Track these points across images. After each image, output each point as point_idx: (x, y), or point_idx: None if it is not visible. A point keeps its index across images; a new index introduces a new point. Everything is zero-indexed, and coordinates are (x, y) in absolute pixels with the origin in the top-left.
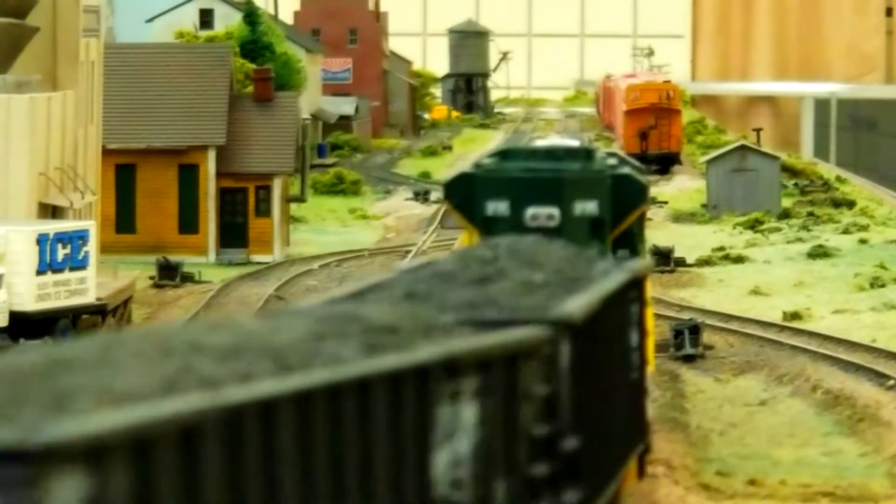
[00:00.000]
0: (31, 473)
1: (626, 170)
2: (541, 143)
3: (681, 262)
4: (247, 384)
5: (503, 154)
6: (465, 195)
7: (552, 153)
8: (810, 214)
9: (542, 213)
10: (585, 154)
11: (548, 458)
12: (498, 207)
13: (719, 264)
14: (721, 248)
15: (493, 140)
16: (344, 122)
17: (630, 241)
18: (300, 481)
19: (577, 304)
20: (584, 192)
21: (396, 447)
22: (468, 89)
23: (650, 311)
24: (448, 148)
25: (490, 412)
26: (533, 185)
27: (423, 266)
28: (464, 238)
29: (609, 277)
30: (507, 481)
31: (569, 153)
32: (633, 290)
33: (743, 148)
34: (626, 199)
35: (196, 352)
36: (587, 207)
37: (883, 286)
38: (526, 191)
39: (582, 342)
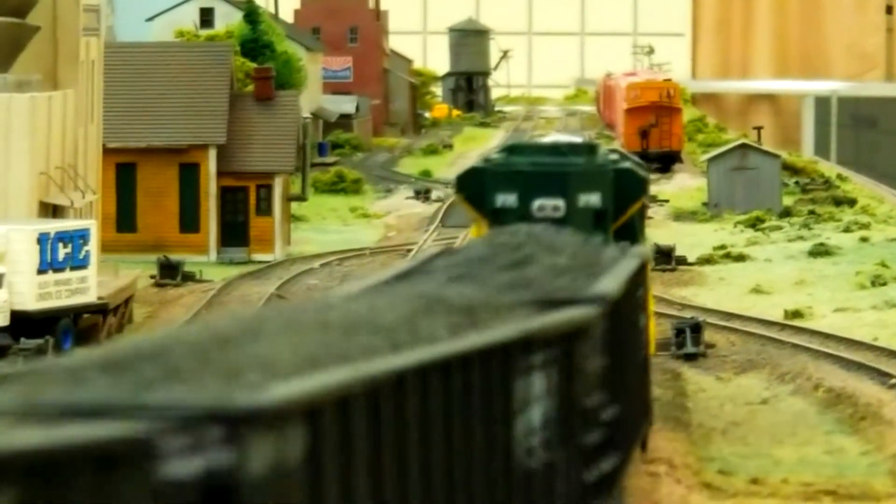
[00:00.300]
0: (237, 434)
1: (626, 164)
2: (546, 139)
3: (682, 261)
4: (376, 358)
5: (511, 149)
6: (475, 188)
7: (557, 149)
8: (811, 213)
9: (548, 205)
10: (588, 149)
11: (595, 427)
12: (506, 199)
13: (720, 263)
14: (722, 247)
15: (494, 139)
16: (344, 120)
17: (631, 232)
18: (421, 448)
19: (611, 285)
20: (587, 185)
21: (489, 417)
22: (469, 88)
23: (651, 296)
24: (449, 146)
25: (553, 385)
26: (539, 178)
27: (453, 252)
28: (473, 231)
29: (623, 261)
30: (566, 450)
31: (573, 149)
32: (640, 273)
33: (744, 146)
34: (627, 192)
35: (325, 329)
36: (590, 199)
37: (884, 284)
38: (533, 184)
39: (611, 320)
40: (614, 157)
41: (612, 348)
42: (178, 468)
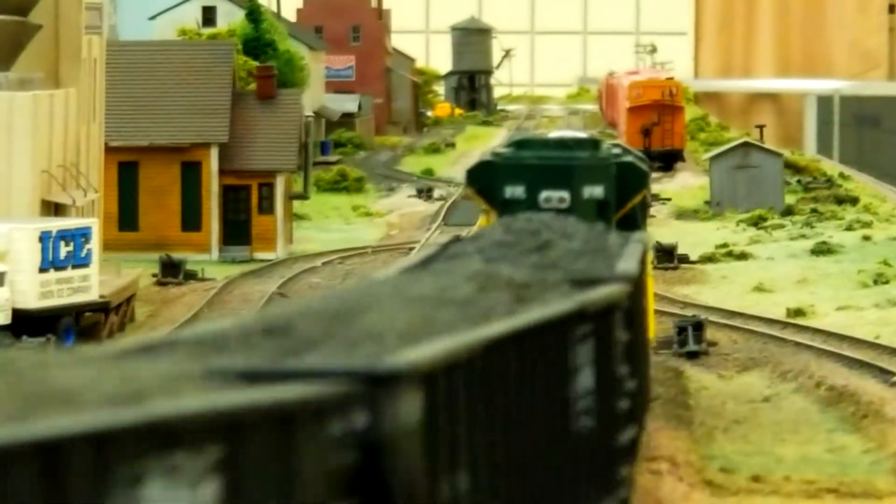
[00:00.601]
0: (387, 393)
1: (628, 158)
2: (552, 134)
3: (684, 259)
4: (467, 329)
5: (519, 144)
6: (485, 181)
7: (563, 143)
8: (814, 211)
9: (554, 196)
10: (592, 144)
11: (623, 396)
12: (515, 191)
13: (723, 261)
14: (724, 245)
15: (497, 137)
16: (347, 119)
17: (633, 222)
18: (522, 405)
19: (630, 265)
20: (591, 177)
21: (552, 384)
22: (471, 87)
23: (651, 279)
24: (451, 145)
25: (594, 355)
26: (546, 171)
27: (474, 238)
28: (483, 221)
29: (630, 246)
30: (604, 415)
31: (577, 143)
32: (644, 258)
33: (746, 145)
34: (629, 184)
35: (418, 303)
36: (594, 191)
37: (886, 283)
38: (540, 176)
39: (630, 298)
40: (616, 151)
41: (630, 325)
42: (343, 426)
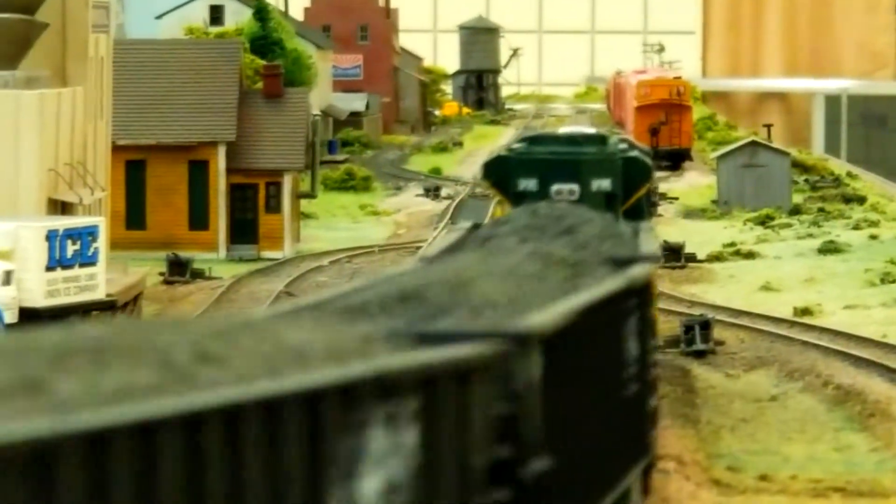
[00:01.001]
0: (516, 351)
1: (634, 153)
2: (562, 130)
3: (691, 258)
4: (567, 296)
5: (531, 140)
6: (500, 174)
7: (572, 139)
8: (821, 210)
9: (564, 189)
10: (600, 139)
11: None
12: (528, 184)
13: (730, 260)
14: (732, 244)
15: (504, 137)
16: (354, 118)
17: (639, 213)
18: (597, 369)
19: (654, 246)
20: (599, 171)
21: (615, 350)
22: (479, 86)
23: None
24: (459, 144)
25: (636, 327)
26: (557, 165)
27: (499, 223)
28: (496, 211)
29: (641, 232)
30: (642, 382)
31: (586, 139)
32: None
33: (753, 144)
34: (635, 177)
35: (514, 275)
36: (602, 184)
37: (893, 282)
38: (551, 170)
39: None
40: (623, 146)
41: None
42: (503, 380)
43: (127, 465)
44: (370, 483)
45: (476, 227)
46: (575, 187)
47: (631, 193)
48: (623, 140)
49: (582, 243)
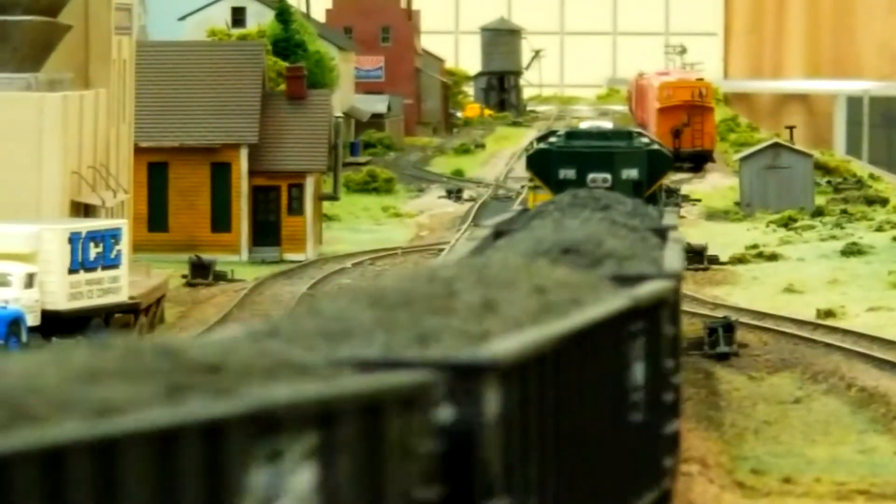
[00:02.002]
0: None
1: (656, 146)
2: (586, 124)
3: (714, 260)
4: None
5: (569, 135)
6: (542, 165)
7: (604, 134)
8: (844, 212)
9: (598, 177)
10: (628, 135)
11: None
12: (567, 173)
13: (753, 262)
14: (755, 246)
15: (526, 138)
16: (376, 120)
17: (655, 200)
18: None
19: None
20: (627, 162)
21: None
22: (501, 87)
23: None
24: (481, 146)
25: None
26: (592, 157)
27: (546, 204)
28: (531, 199)
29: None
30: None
31: (616, 134)
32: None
33: (776, 145)
34: (657, 167)
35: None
36: (630, 173)
37: None
38: (587, 161)
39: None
40: (646, 140)
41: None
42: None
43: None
44: None
45: (497, 233)
46: (608, 176)
47: (654, 181)
48: (642, 134)
49: (620, 217)
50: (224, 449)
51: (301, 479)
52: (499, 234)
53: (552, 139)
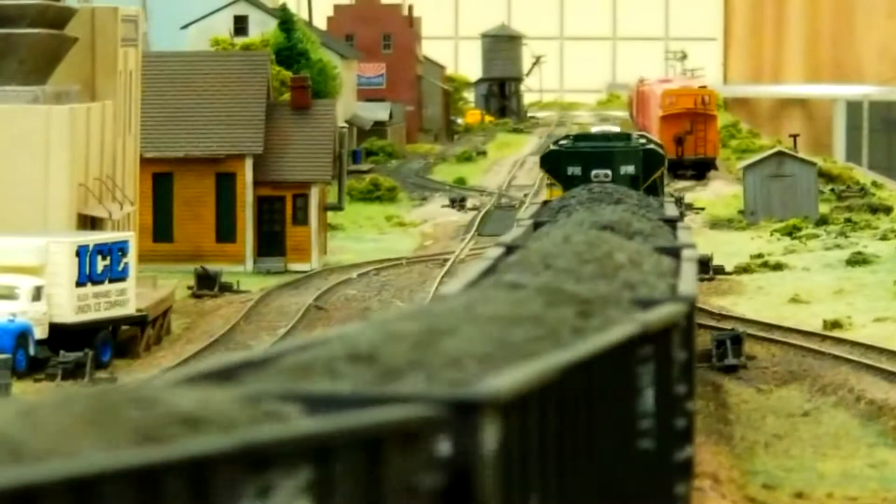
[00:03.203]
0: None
1: (651, 146)
2: (595, 129)
3: (720, 271)
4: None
5: (576, 138)
6: (553, 163)
7: (606, 136)
8: (848, 220)
9: (600, 173)
10: (627, 137)
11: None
12: (574, 170)
13: (758, 272)
14: (759, 256)
15: (528, 145)
16: (378, 127)
17: (655, 191)
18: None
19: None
20: (625, 159)
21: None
22: (501, 94)
23: None
24: (483, 153)
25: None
26: (595, 156)
27: (564, 198)
28: (548, 193)
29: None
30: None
31: (616, 136)
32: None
33: (780, 154)
34: (652, 164)
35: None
36: (628, 169)
37: None
38: (591, 159)
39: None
40: (643, 141)
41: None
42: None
43: None
44: None
45: (510, 249)
46: (608, 172)
47: (649, 176)
48: (641, 135)
49: (634, 209)
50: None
51: None
52: (538, 224)
53: (562, 142)
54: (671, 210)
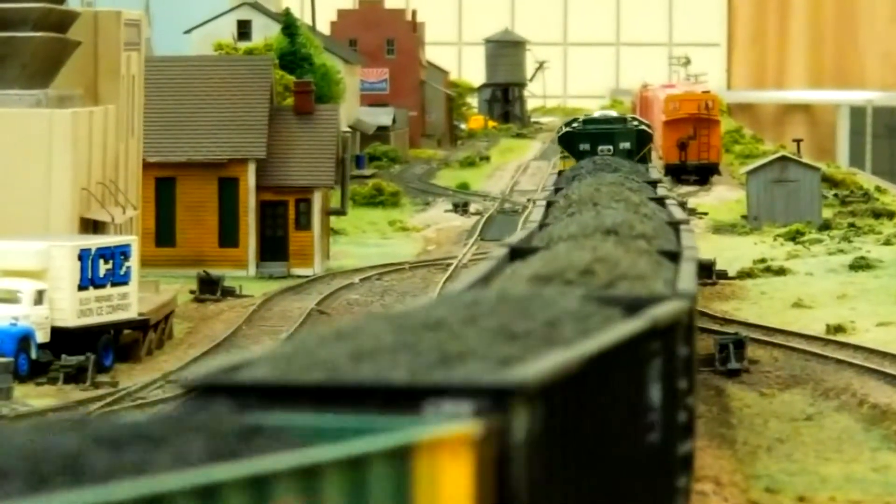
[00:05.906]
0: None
1: (642, 126)
2: (598, 113)
3: (723, 275)
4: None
5: (586, 121)
6: (569, 141)
7: (609, 120)
8: (851, 226)
9: (604, 148)
10: (623, 120)
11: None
12: (585, 146)
13: (761, 276)
14: (763, 260)
15: (531, 151)
16: (381, 132)
17: (644, 160)
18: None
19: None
20: (623, 137)
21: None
22: (505, 99)
23: None
24: (486, 158)
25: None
26: (600, 135)
27: (576, 167)
28: (562, 164)
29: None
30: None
31: (616, 120)
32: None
33: (783, 159)
34: (643, 141)
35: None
36: (625, 145)
37: None
38: (597, 138)
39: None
40: (636, 123)
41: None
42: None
43: None
44: None
45: (513, 252)
46: (611, 147)
47: (641, 149)
48: (634, 118)
49: (631, 175)
50: None
51: None
52: (557, 189)
53: (574, 124)
54: (654, 173)
